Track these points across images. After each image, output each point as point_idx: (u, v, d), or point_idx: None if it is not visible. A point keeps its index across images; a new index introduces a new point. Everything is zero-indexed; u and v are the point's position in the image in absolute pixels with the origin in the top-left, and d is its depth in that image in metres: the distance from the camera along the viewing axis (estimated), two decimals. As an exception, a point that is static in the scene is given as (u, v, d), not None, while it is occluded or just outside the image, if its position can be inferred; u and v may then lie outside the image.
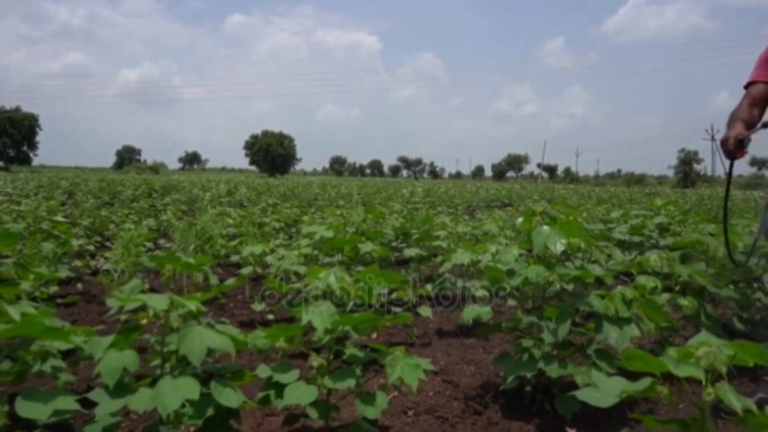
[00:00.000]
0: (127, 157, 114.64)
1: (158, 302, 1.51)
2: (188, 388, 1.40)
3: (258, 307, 3.71)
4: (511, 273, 2.46)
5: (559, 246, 2.30)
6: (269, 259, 3.76)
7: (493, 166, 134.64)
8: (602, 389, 1.44)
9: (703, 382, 1.17)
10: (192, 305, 1.56)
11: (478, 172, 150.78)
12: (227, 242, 5.34)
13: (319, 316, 1.75)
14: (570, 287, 2.49)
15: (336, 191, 18.93)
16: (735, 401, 1.09)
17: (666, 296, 2.81)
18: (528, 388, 2.43)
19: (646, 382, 1.34)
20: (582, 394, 1.45)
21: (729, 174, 2.65)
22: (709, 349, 1.18)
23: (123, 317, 2.71)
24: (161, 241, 6.51)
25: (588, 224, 4.83)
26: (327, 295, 2.06)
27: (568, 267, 2.56)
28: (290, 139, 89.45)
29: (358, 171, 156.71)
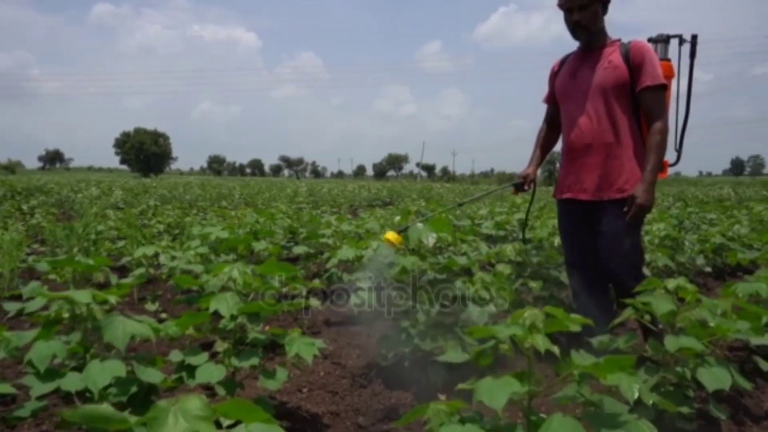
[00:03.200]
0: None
1: (82, 296, 1.70)
2: (115, 368, 1.61)
3: (151, 307, 3.82)
4: (390, 264, 2.82)
5: (430, 239, 2.70)
6: (162, 259, 3.88)
7: (375, 166, 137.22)
8: (458, 350, 1.84)
9: (528, 336, 1.58)
10: (112, 298, 1.76)
11: (360, 171, 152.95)
12: (110, 245, 5.31)
13: (225, 304, 2.00)
14: (442, 276, 2.91)
15: (217, 191, 18.64)
16: (541, 344, 1.50)
17: (519, 280, 3.33)
18: (406, 363, 2.81)
19: (490, 342, 1.75)
20: (443, 357, 1.83)
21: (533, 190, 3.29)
22: (532, 312, 1.59)
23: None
24: (34, 246, 6.29)
25: (458, 221, 5.38)
26: (227, 288, 2.30)
27: (438, 258, 2.99)
28: (165, 137, 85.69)
29: (238, 170, 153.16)
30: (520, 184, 3.16)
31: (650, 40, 3.01)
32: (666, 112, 2.81)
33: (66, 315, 1.77)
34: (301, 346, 2.06)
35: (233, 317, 2.06)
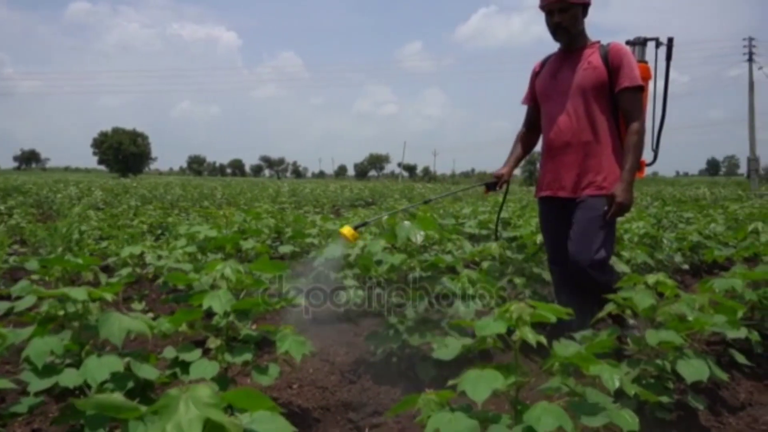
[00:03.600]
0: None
1: (78, 293, 1.72)
2: (113, 363, 1.64)
3: (138, 306, 3.83)
4: (379, 262, 2.87)
5: (418, 237, 2.75)
6: (149, 259, 3.88)
7: (356, 166, 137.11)
8: (449, 346, 1.89)
9: (515, 329, 1.64)
10: (108, 296, 1.78)
11: (341, 171, 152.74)
12: (93, 245, 5.28)
13: (218, 301, 2.02)
14: (428, 273, 2.97)
15: (198, 192, 18.51)
16: (531, 337, 1.56)
17: (505, 278, 3.40)
18: (394, 359, 2.85)
19: (479, 337, 1.80)
20: (436, 354, 1.89)
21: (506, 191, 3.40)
22: (518, 305, 1.65)
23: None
24: (14, 246, 6.23)
25: (442, 220, 5.44)
26: (216, 286, 2.33)
27: (425, 256, 3.05)
28: (144, 137, 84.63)
29: (219, 170, 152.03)
30: (493, 183, 3.24)
31: (628, 42, 3.10)
32: (643, 112, 2.89)
33: (61, 313, 1.78)
34: (293, 344, 2.10)
35: (226, 314, 2.09)
